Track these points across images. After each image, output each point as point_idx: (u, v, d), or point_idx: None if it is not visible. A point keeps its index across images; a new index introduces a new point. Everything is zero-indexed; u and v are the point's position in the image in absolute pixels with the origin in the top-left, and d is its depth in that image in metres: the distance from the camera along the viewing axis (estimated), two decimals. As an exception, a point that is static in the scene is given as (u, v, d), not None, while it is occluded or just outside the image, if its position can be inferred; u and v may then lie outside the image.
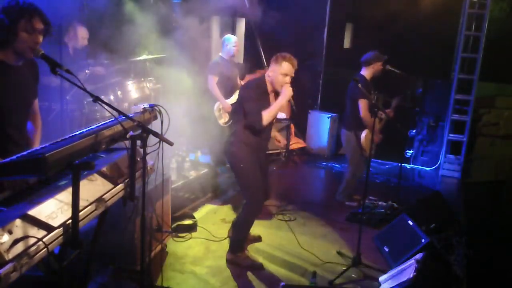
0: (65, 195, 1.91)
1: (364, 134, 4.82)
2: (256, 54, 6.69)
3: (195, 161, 5.43)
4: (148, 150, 2.34)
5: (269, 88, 3.54)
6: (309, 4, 7.36)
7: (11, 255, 1.56)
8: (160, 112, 2.57)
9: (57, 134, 2.96)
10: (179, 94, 4.99)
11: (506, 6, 6.53)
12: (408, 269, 3.12)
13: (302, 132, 7.52)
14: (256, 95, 3.48)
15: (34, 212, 1.73)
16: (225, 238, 4.05)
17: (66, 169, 1.82)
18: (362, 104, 4.69)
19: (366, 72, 4.85)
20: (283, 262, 3.82)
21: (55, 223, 1.80)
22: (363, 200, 3.88)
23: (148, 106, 2.56)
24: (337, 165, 6.84)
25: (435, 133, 6.82)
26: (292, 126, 7.17)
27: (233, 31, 7.22)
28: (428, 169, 6.84)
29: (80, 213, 1.90)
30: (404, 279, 3.01)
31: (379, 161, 6.88)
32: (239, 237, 3.74)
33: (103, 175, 2.25)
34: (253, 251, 3.95)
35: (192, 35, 5.49)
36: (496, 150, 6.57)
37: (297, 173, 6.67)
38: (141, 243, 2.54)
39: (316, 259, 3.88)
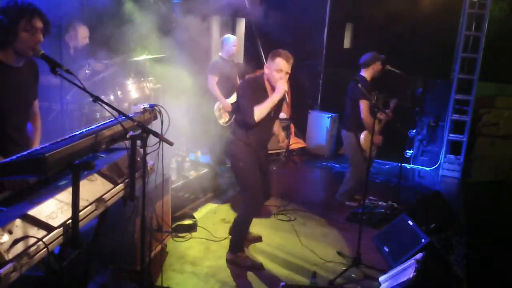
0: (65, 195, 1.91)
1: (363, 136, 4.82)
2: (256, 54, 6.68)
3: (195, 161, 5.43)
4: (148, 150, 2.34)
5: (268, 85, 3.53)
6: (309, 4, 7.36)
7: (11, 255, 1.56)
8: (160, 112, 2.57)
9: (57, 134, 2.96)
10: (179, 94, 4.98)
11: (506, 6, 6.53)
12: (408, 269, 3.12)
13: (302, 132, 7.52)
14: (252, 92, 3.46)
15: (34, 212, 1.73)
16: (225, 238, 4.05)
17: (66, 169, 1.82)
18: (363, 105, 4.69)
19: (366, 74, 4.85)
20: (283, 262, 3.82)
21: (55, 223, 1.80)
22: (363, 200, 3.88)
23: (148, 106, 2.56)
24: (337, 165, 6.84)
25: (435, 133, 6.82)
26: (292, 126, 7.17)
27: (233, 31, 7.22)
28: (428, 169, 6.84)
29: (80, 213, 1.90)
30: (404, 279, 3.01)
31: (379, 161, 6.88)
32: (239, 237, 3.74)
33: (103, 175, 2.25)
34: (253, 251, 3.96)
35: (192, 35, 5.48)
36: (496, 150, 6.57)
37: (297, 173, 6.67)
38: (141, 243, 2.54)
39: (316, 259, 3.88)
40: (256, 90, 3.48)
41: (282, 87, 3.38)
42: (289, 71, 3.46)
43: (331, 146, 7.26)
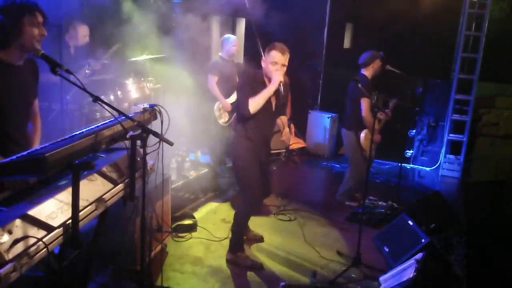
0: (65, 195, 1.91)
1: (363, 134, 4.83)
2: (256, 54, 6.67)
3: (195, 161, 5.43)
4: (148, 150, 2.34)
5: (266, 80, 3.53)
6: (309, 4, 7.36)
7: (11, 255, 1.56)
8: (160, 112, 2.57)
9: (57, 134, 2.95)
10: (179, 94, 4.98)
11: (506, 6, 6.53)
12: (408, 269, 3.12)
13: (302, 132, 7.52)
14: (249, 85, 3.47)
15: (34, 212, 1.73)
16: (225, 238, 4.05)
17: (66, 169, 1.82)
18: (364, 103, 4.69)
19: (366, 72, 4.86)
20: (283, 262, 3.82)
21: (55, 223, 1.80)
22: (363, 200, 3.88)
23: (148, 106, 2.56)
24: (337, 165, 6.84)
25: (435, 133, 6.82)
26: (292, 126, 7.17)
27: (233, 31, 7.22)
28: (428, 169, 6.84)
29: (80, 213, 1.90)
30: (404, 279, 3.01)
31: (379, 161, 6.88)
32: (238, 237, 3.74)
33: (103, 175, 2.24)
34: (253, 250, 3.96)
35: (192, 34, 5.49)
36: (496, 150, 6.57)
37: (297, 173, 6.68)
38: (141, 243, 2.54)
39: (316, 258, 3.88)
40: (254, 84, 3.49)
41: (277, 78, 3.39)
42: (286, 63, 3.47)
43: (331, 146, 7.26)
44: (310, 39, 7.55)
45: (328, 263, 3.81)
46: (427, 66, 6.72)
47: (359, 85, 4.04)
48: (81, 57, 4.64)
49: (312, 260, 3.86)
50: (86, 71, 4.48)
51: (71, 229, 1.85)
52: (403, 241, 3.78)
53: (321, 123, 7.26)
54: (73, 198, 1.83)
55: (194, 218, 4.34)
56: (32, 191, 1.90)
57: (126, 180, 2.38)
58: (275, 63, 3.41)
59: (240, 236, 3.76)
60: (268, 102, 3.50)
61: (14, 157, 1.79)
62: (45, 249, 1.69)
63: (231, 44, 5.46)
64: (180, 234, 4.09)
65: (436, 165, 6.74)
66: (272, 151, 6.25)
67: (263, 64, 3.54)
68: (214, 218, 4.59)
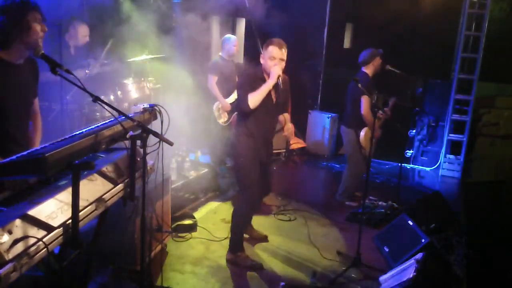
0: (65, 195, 1.91)
1: (363, 133, 4.83)
2: (256, 54, 6.67)
3: (195, 161, 5.42)
4: (148, 150, 2.34)
5: (266, 77, 3.53)
6: (309, 4, 7.36)
7: (11, 255, 1.56)
8: (160, 112, 2.57)
9: (57, 134, 2.95)
10: (179, 94, 4.98)
11: (506, 6, 6.53)
12: (408, 269, 3.12)
13: (302, 132, 7.52)
14: (249, 82, 3.49)
15: (34, 212, 1.73)
16: (225, 238, 4.05)
17: (66, 169, 1.82)
18: (364, 101, 4.70)
19: (367, 71, 4.86)
20: (283, 262, 3.82)
21: (55, 223, 1.80)
22: (363, 200, 3.88)
23: (148, 106, 2.56)
24: (337, 165, 6.84)
25: (435, 133, 6.82)
26: (292, 126, 7.15)
27: (233, 31, 7.22)
28: (428, 169, 6.84)
29: (80, 213, 1.90)
30: (404, 279, 3.01)
31: (379, 161, 6.88)
32: (237, 236, 3.74)
33: (103, 175, 2.24)
34: (253, 250, 3.95)
35: (192, 34, 5.49)
36: (496, 150, 6.57)
37: (297, 173, 6.67)
38: (141, 243, 2.54)
39: (316, 258, 3.88)
40: (254, 80, 3.50)
41: (275, 71, 3.40)
42: (284, 58, 3.48)
43: (331, 146, 7.26)
44: (310, 39, 7.55)
45: (328, 263, 3.81)
46: (427, 66, 6.72)
47: (359, 85, 4.04)
48: (81, 57, 4.64)
49: (312, 260, 3.86)
50: (86, 71, 4.48)
51: (71, 229, 1.85)
52: (403, 241, 3.78)
53: (321, 123, 7.26)
54: (73, 198, 1.83)
55: (194, 218, 4.34)
56: (32, 191, 1.90)
57: (126, 180, 2.38)
58: (273, 58, 3.43)
59: (240, 236, 3.76)
60: (268, 98, 3.51)
61: (14, 157, 1.79)
62: (45, 249, 1.69)
63: (232, 44, 5.47)
64: (180, 234, 4.09)
65: (436, 165, 6.74)
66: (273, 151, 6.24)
67: (261, 61, 3.55)
68: (214, 218, 4.59)
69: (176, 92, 5.03)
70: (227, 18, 7.08)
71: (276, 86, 3.51)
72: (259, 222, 4.31)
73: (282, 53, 3.45)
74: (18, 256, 1.58)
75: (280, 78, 3.43)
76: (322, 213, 4.91)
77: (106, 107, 2.20)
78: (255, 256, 3.84)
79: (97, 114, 4.46)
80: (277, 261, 3.83)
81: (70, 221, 1.85)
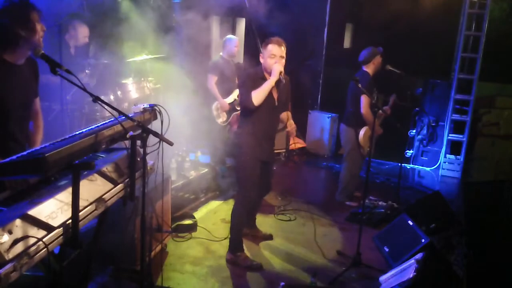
0: (65, 195, 1.91)
1: (362, 132, 4.83)
2: (256, 54, 6.68)
3: (195, 161, 5.42)
4: (148, 150, 2.34)
5: (266, 75, 3.56)
6: (309, 4, 7.35)
7: (11, 255, 1.56)
8: (160, 112, 2.57)
9: (57, 134, 2.96)
10: (179, 93, 4.98)
11: (506, 6, 6.53)
12: (408, 269, 3.12)
13: (302, 132, 7.52)
14: (250, 80, 3.51)
15: (34, 212, 1.73)
16: (225, 238, 4.04)
17: (66, 169, 1.82)
18: (364, 99, 4.70)
19: (368, 69, 4.87)
20: (283, 262, 3.82)
21: (55, 223, 1.80)
22: (363, 200, 3.88)
23: (148, 106, 2.56)
24: (337, 165, 6.83)
25: (435, 133, 6.82)
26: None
27: (233, 31, 7.22)
28: (428, 169, 6.84)
29: (80, 213, 1.90)
30: (404, 279, 3.00)
31: (379, 161, 6.88)
32: (236, 237, 3.74)
33: (103, 175, 2.24)
34: (253, 250, 3.95)
35: (192, 34, 5.49)
36: (496, 150, 6.57)
37: (297, 173, 6.67)
38: (141, 243, 2.54)
39: (316, 258, 3.88)
40: (254, 79, 3.52)
41: (277, 68, 3.43)
42: (284, 55, 3.51)
43: (331, 146, 7.26)
44: (310, 39, 7.55)
45: (328, 263, 3.81)
46: (427, 66, 6.72)
47: (359, 85, 4.04)
48: (81, 57, 4.65)
49: (312, 260, 3.86)
50: (86, 71, 4.48)
51: (71, 229, 1.85)
52: (403, 241, 3.78)
53: (321, 123, 7.26)
54: (73, 198, 1.83)
55: (194, 218, 4.34)
56: (32, 191, 1.90)
57: (126, 180, 2.38)
58: (273, 56, 3.46)
59: (239, 236, 3.75)
60: (271, 97, 3.54)
61: (14, 157, 1.79)
62: (45, 249, 1.69)
63: (233, 45, 5.49)
64: (180, 234, 4.09)
65: (436, 165, 6.74)
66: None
67: (261, 60, 3.57)
68: (214, 218, 4.59)
69: (176, 92, 5.03)
70: (227, 18, 7.08)
71: (277, 85, 3.53)
72: (259, 222, 4.30)
73: (282, 51, 3.49)
74: (18, 256, 1.58)
75: (282, 74, 3.46)
76: (322, 213, 4.91)
77: (106, 107, 2.20)
78: (256, 256, 3.84)
79: (97, 114, 4.47)
80: (277, 261, 3.83)
81: (70, 221, 1.85)
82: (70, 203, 1.84)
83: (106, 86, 4.68)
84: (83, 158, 2.00)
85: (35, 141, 2.71)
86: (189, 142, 5.50)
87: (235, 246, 3.72)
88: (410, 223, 3.88)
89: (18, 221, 1.64)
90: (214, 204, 4.98)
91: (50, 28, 2.55)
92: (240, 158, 3.62)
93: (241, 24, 7.37)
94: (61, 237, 1.81)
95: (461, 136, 6.55)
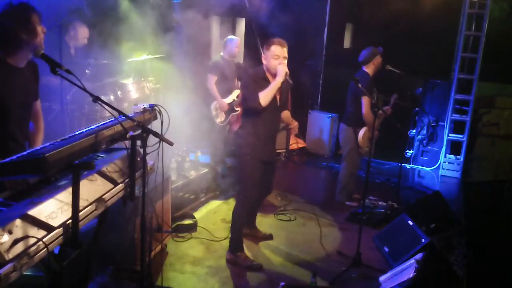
0: (65, 195, 1.91)
1: (362, 132, 4.83)
2: (256, 54, 6.69)
3: (195, 161, 5.43)
4: (148, 150, 2.34)
5: (269, 76, 3.57)
6: (309, 4, 7.36)
7: (11, 255, 1.56)
8: (160, 112, 2.57)
9: (57, 134, 2.96)
10: (179, 94, 4.98)
11: (506, 6, 6.53)
12: (408, 269, 3.12)
13: (302, 132, 7.51)
14: (253, 81, 3.52)
15: (34, 212, 1.73)
16: (225, 238, 4.05)
17: (66, 169, 1.82)
18: (365, 101, 4.70)
19: (368, 70, 4.86)
20: (283, 262, 3.82)
21: (55, 223, 1.80)
22: (363, 200, 3.88)
23: (148, 106, 2.56)
24: (337, 165, 6.82)
25: (435, 133, 6.82)
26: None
27: (233, 31, 7.23)
28: (428, 169, 6.84)
29: (80, 213, 1.90)
30: (404, 279, 3.01)
31: (379, 161, 6.88)
32: (236, 236, 3.74)
33: (103, 175, 2.24)
34: (253, 251, 3.95)
35: (192, 34, 5.49)
36: (496, 150, 6.57)
37: (297, 173, 6.67)
38: (141, 243, 2.54)
39: (316, 258, 3.88)
40: (257, 80, 3.53)
41: (282, 69, 3.45)
42: (286, 56, 3.53)
43: (331, 146, 7.26)
44: (310, 39, 7.55)
45: (328, 263, 3.81)
46: (427, 66, 6.72)
47: (359, 85, 4.04)
48: (81, 57, 4.65)
49: (312, 260, 3.86)
50: (86, 71, 4.48)
51: (71, 229, 1.85)
52: (403, 241, 3.78)
53: (321, 123, 7.26)
54: (73, 198, 1.83)
55: (194, 218, 4.34)
56: (32, 191, 1.90)
57: (126, 180, 2.38)
58: (277, 57, 3.48)
59: (239, 236, 3.76)
60: (273, 97, 3.54)
61: (14, 157, 1.79)
62: (45, 249, 1.69)
63: (234, 45, 5.50)
64: (180, 234, 4.09)
65: (436, 165, 6.74)
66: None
67: (264, 61, 3.58)
68: (214, 218, 4.59)
69: (176, 92, 5.03)
70: (227, 18, 7.08)
71: (282, 84, 3.54)
72: (259, 222, 4.30)
73: (284, 51, 3.51)
74: (18, 256, 1.58)
75: (287, 75, 3.47)
76: (322, 213, 4.91)
77: (106, 107, 2.20)
78: (256, 256, 3.84)
79: (97, 114, 4.47)
80: (277, 261, 3.83)
81: (70, 221, 1.85)
82: (70, 203, 1.84)
83: (105, 86, 4.68)
84: (83, 158, 2.00)
85: (36, 142, 2.72)
86: (189, 142, 5.51)
87: (235, 246, 3.72)
88: (410, 223, 3.88)
89: (18, 221, 1.64)
90: (214, 204, 4.98)
91: (50, 28, 2.54)
92: (241, 158, 3.63)
93: (241, 24, 7.38)
94: (61, 237, 1.81)
95: (461, 136, 6.55)
